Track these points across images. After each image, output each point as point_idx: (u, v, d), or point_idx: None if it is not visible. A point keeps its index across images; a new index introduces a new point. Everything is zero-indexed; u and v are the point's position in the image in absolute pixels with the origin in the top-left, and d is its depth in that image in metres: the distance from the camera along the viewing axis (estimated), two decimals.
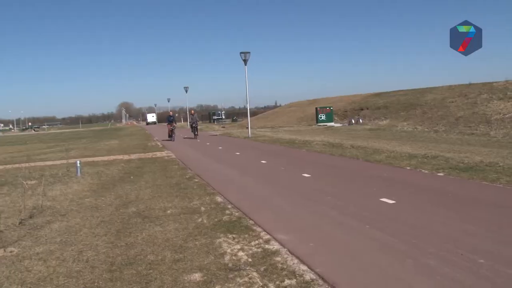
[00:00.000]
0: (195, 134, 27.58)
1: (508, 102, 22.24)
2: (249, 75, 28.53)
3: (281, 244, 4.99)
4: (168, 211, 6.90)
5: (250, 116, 30.48)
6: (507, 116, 20.53)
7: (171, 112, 29.32)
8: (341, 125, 34.05)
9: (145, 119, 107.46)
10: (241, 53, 26.24)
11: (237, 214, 6.54)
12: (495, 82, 26.82)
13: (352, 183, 8.63)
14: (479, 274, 3.76)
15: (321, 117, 36.84)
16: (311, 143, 17.90)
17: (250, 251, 4.79)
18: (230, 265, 4.39)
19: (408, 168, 9.99)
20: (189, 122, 29.55)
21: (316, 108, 38.27)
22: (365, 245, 4.77)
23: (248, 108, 29.96)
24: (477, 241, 4.65)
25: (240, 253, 4.73)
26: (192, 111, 30.27)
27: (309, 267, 4.20)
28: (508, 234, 4.80)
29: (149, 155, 17.30)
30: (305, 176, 9.68)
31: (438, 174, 8.95)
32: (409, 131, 24.05)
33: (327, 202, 6.96)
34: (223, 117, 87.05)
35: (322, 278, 3.91)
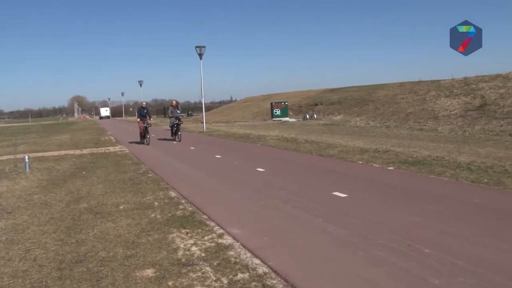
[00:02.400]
0: (176, 135, 19.39)
1: (454, 99, 23.35)
2: (204, 70, 28.28)
3: (234, 238, 5.03)
4: (121, 207, 6.79)
5: (205, 111, 30.27)
6: (453, 112, 21.55)
7: (144, 103, 19.16)
8: (295, 120, 34.47)
9: (98, 113, 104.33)
10: (196, 47, 26.02)
11: (190, 209, 6.53)
12: (442, 80, 28.08)
13: (306, 177, 8.79)
14: (425, 263, 3.96)
15: (276, 112, 37.15)
16: (266, 138, 18.06)
17: (204, 246, 4.80)
18: (183, 260, 4.40)
19: (360, 162, 10.31)
20: (169, 118, 19.94)
21: (271, 103, 38.53)
22: (317, 238, 4.90)
23: (203, 103, 29.76)
24: (423, 232, 4.88)
25: (193, 248, 4.74)
26: (174, 102, 19.99)
27: (262, 261, 4.27)
28: (452, 225, 5.07)
29: (102, 149, 16.97)
30: (259, 171, 9.77)
31: (389, 168, 9.30)
32: (361, 126, 24.75)
33: (281, 196, 7.07)
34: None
35: (275, 271, 3.99)
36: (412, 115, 23.83)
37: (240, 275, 3.94)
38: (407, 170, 8.91)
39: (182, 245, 4.85)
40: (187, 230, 5.41)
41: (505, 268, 3.77)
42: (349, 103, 32.79)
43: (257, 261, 4.29)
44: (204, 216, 6.07)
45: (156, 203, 6.96)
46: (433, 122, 21.20)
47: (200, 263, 4.30)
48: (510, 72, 23.73)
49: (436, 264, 3.92)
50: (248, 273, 3.98)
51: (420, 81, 30.64)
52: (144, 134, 18.34)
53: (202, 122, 27.84)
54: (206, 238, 5.09)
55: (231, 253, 4.55)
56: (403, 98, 27.76)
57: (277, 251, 4.55)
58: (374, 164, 9.85)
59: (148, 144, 17.79)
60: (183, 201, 7.06)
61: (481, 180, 7.44)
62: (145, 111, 18.51)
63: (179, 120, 19.34)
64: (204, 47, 26.16)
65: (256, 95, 58.73)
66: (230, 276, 3.92)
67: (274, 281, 3.78)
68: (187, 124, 37.90)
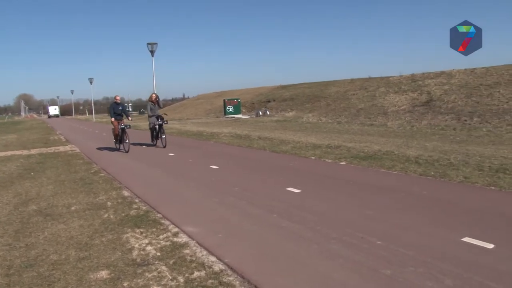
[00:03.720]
0: (157, 138, 15.28)
1: (402, 95, 24.23)
2: (156, 67, 27.73)
3: (189, 236, 4.99)
4: (72, 208, 6.57)
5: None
6: (401, 108, 22.36)
7: (118, 98, 15.00)
8: (248, 117, 34.65)
9: (47, 112, 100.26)
10: (148, 44, 25.54)
11: (144, 208, 6.42)
12: (391, 77, 29.08)
13: (260, 173, 8.84)
14: (377, 255, 4.08)
15: (229, 109, 37.20)
16: (219, 135, 18.04)
17: (159, 245, 4.73)
18: (138, 260, 4.31)
19: (313, 158, 10.48)
20: (148, 117, 15.27)
21: (224, 100, 38.54)
22: (272, 234, 4.93)
23: None
24: (375, 224, 5.03)
25: (149, 248, 4.66)
26: (154, 96, 15.20)
27: (218, 258, 4.25)
28: (401, 217, 5.27)
29: (52, 149, 16.40)
30: (213, 168, 9.72)
31: (341, 163, 9.52)
32: (314, 122, 25.18)
33: (235, 193, 7.07)
34: (130, 109, 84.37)
35: (231, 268, 3.98)
36: (363, 111, 24.50)
37: (196, 273, 3.90)
38: (359, 164, 9.15)
39: (137, 245, 4.76)
40: (142, 230, 5.31)
41: (451, 256, 3.95)
42: (301, 99, 33.27)
43: (213, 258, 4.27)
44: (159, 215, 5.98)
45: (109, 203, 6.80)
46: (382, 118, 21.90)
47: (156, 262, 4.23)
48: (454, 69, 24.92)
49: (388, 255, 4.05)
50: (204, 271, 3.95)
51: (370, 78, 31.59)
52: (121, 137, 14.20)
53: None
54: (161, 237, 5.01)
55: (187, 251, 4.50)
56: (353, 94, 28.49)
57: (233, 247, 4.54)
58: (327, 160, 10.05)
59: (127, 152, 13.77)
60: (136, 200, 6.93)
61: (428, 173, 7.76)
62: (120, 108, 14.41)
63: (162, 119, 14.78)
64: (156, 44, 25.71)
65: (209, 92, 58.59)
66: (187, 275, 3.88)
67: (231, 278, 3.77)
68: (139, 122, 37.17)
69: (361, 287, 3.47)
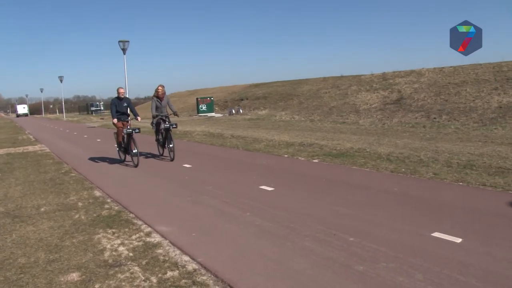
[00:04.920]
0: (164, 147, 11.50)
1: (374, 93, 24.62)
2: (129, 65, 27.40)
3: (162, 236, 4.95)
4: (42, 209, 6.41)
5: None
6: (373, 106, 22.72)
7: (122, 90, 10.59)
8: (221, 115, 34.59)
9: (15, 111, 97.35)
10: (119, 41, 25.17)
11: (116, 208, 6.33)
12: (363, 75, 29.50)
13: (233, 172, 8.83)
14: (350, 251, 4.14)
15: (201, 108, 37.09)
16: (192, 134, 17.96)
17: (131, 245, 4.67)
18: (110, 261, 4.24)
19: (286, 156, 10.54)
20: (153, 117, 11.32)
21: (197, 99, 38.41)
22: (246, 232, 4.93)
23: None
24: (348, 221, 5.10)
25: (121, 248, 4.60)
26: (160, 89, 11.10)
27: (191, 257, 4.23)
28: (374, 213, 5.35)
29: (20, 149, 15.93)
30: (186, 167, 9.66)
31: (314, 160, 9.60)
32: (287, 120, 25.31)
33: (208, 191, 7.04)
34: (102, 108, 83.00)
35: (205, 267, 3.97)
36: (335, 109, 24.78)
37: (169, 273, 3.87)
38: (331, 162, 9.25)
39: (108, 246, 4.68)
40: (114, 230, 5.24)
41: (421, 251, 4.04)
42: (274, 97, 33.39)
43: (186, 258, 4.24)
44: (131, 215, 5.91)
45: (80, 204, 6.68)
46: (354, 116, 22.20)
47: (128, 263, 4.17)
48: (423, 68, 25.47)
49: (360, 251, 4.11)
50: (177, 271, 3.92)
51: (342, 76, 31.96)
52: (126, 145, 10.55)
53: None
54: (133, 237, 4.95)
55: (160, 251, 4.46)
56: (326, 93, 28.77)
57: (206, 246, 4.52)
58: (300, 157, 10.12)
59: (136, 166, 10.09)
60: (108, 200, 6.83)
61: (399, 170, 7.92)
62: (125, 104, 10.55)
63: (169, 120, 10.97)
64: (128, 41, 25.37)
65: (181, 90, 58.18)
66: (160, 275, 3.84)
67: (204, 277, 3.76)
68: (111, 121, 36.63)
69: (334, 283, 3.51)
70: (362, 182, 7.23)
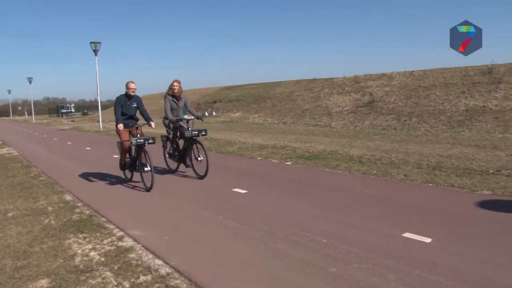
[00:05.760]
0: (182, 159, 8.63)
1: (346, 96, 24.95)
2: (100, 67, 27.03)
3: (135, 240, 4.88)
4: (10, 214, 6.24)
5: (101, 109, 29.34)
6: (345, 109, 23.02)
7: (133, 85, 7.87)
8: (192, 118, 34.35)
9: None
10: (91, 43, 24.87)
11: (88, 212, 6.23)
12: (335, 78, 29.84)
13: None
14: (323, 253, 4.18)
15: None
16: None
17: (103, 250, 4.59)
18: (81, 266, 4.16)
19: (259, 158, 10.57)
20: (164, 121, 8.85)
21: None
22: (219, 235, 4.92)
23: (99, 101, 28.65)
24: (321, 223, 5.15)
25: (92, 253, 4.52)
26: (176, 84, 8.49)
27: (164, 261, 4.19)
28: (346, 215, 5.42)
29: None
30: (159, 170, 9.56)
31: (287, 163, 9.66)
32: (260, 123, 25.37)
33: (181, 194, 6.99)
34: (73, 110, 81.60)
35: (178, 271, 3.93)
36: (308, 111, 24.99)
37: (142, 278, 3.82)
38: (304, 164, 9.33)
39: (79, 251, 4.59)
40: (85, 235, 5.14)
41: (393, 251, 4.11)
42: (247, 100, 33.42)
43: (159, 262, 4.20)
44: (103, 219, 5.82)
45: (50, 208, 6.54)
46: (327, 118, 22.44)
47: (100, 268, 4.10)
48: (394, 71, 25.96)
49: (333, 253, 4.16)
50: (150, 275, 3.87)
51: (314, 79, 32.25)
52: (133, 160, 8.12)
53: (98, 121, 26.84)
54: (105, 241, 4.87)
55: (132, 255, 4.40)
56: (299, 95, 28.98)
57: (179, 250, 4.49)
58: (273, 160, 10.17)
59: (149, 189, 7.35)
60: (79, 204, 6.71)
61: (371, 172, 8.05)
62: (135, 104, 8.05)
63: (187, 126, 8.64)
64: (100, 43, 25.19)
65: (154, 93, 57.69)
66: (132, 280, 3.79)
67: (178, 281, 3.73)
68: (82, 124, 35.98)
69: (308, 285, 3.53)
70: (335, 184, 7.31)
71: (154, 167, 7.59)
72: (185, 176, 8.70)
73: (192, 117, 8.63)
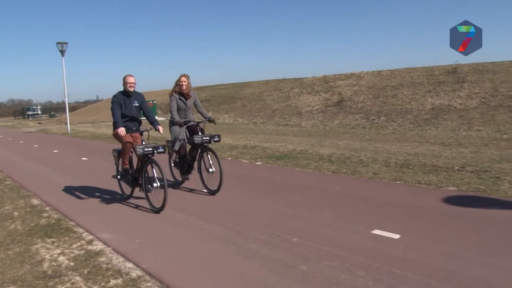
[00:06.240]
0: (185, 170, 7.32)
1: (315, 96, 25.22)
2: (68, 68, 26.45)
3: (105, 243, 4.81)
4: None
5: (69, 111, 28.78)
6: (315, 108, 23.27)
7: (131, 79, 6.52)
8: (165, 118, 34.18)
9: None
10: (57, 43, 24.34)
11: (56, 216, 6.09)
12: (305, 78, 30.14)
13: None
14: (293, 251, 4.22)
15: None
16: None
17: (72, 255, 4.50)
18: (49, 272, 4.07)
19: (229, 158, 10.56)
20: (171, 122, 7.23)
21: None
22: (191, 236, 4.90)
23: (67, 103, 28.01)
24: (292, 222, 5.20)
25: (61, 258, 4.42)
26: (184, 79, 7.19)
27: (135, 264, 4.15)
28: (316, 213, 5.50)
29: None
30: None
31: (257, 163, 9.70)
32: (230, 123, 25.34)
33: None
34: (39, 112, 79.26)
35: (149, 274, 3.90)
36: (278, 111, 25.12)
37: (113, 281, 3.76)
38: (274, 164, 9.38)
39: (47, 256, 4.48)
40: (53, 239, 5.03)
41: (363, 248, 4.20)
42: (218, 100, 33.34)
43: (130, 265, 4.15)
44: (72, 223, 5.70)
45: (16, 213, 6.38)
46: (297, 118, 22.62)
47: (69, 273, 4.01)
48: (362, 71, 26.42)
49: (304, 252, 4.20)
50: (121, 278, 3.82)
51: (284, 79, 32.48)
52: (136, 175, 6.56)
53: (66, 123, 26.30)
54: (74, 246, 4.78)
55: (102, 259, 4.33)
56: (269, 95, 29.11)
57: (150, 252, 4.44)
58: (243, 160, 10.19)
59: (160, 210, 5.93)
60: (47, 209, 6.55)
61: (340, 170, 8.17)
62: (135, 103, 6.70)
63: (201, 130, 7.23)
64: (66, 43, 24.72)
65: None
66: (103, 284, 3.73)
67: (149, 284, 3.69)
68: (49, 126, 35.06)
69: (279, 284, 3.56)
70: (305, 183, 7.39)
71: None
72: None
73: (204, 119, 7.31)
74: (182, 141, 7.17)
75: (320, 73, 37.18)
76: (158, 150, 6.09)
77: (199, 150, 7.06)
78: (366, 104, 20.79)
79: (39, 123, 45.80)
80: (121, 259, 4.33)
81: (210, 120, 7.31)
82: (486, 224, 4.80)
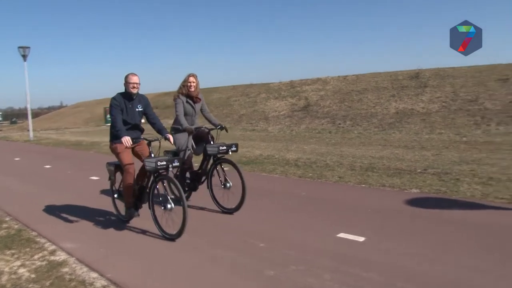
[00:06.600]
0: (192, 186, 6.48)
1: (282, 101, 25.43)
2: (31, 73, 25.68)
3: (68, 253, 4.68)
4: None
5: (32, 117, 27.99)
6: (281, 113, 23.45)
7: (135, 78, 5.45)
8: None
9: None
10: (19, 47, 23.66)
11: (16, 226, 5.87)
12: (271, 83, 30.33)
13: None
14: (260, 257, 4.24)
15: (110, 117, 36.02)
16: (100, 144, 17.30)
17: (33, 266, 4.36)
18: (8, 286, 3.92)
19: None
20: (174, 128, 6.38)
21: (105, 108, 37.41)
22: (157, 244, 4.84)
23: (29, 109, 27.23)
24: (258, 227, 5.23)
25: (21, 270, 4.27)
26: (192, 79, 6.34)
27: (100, 274, 4.05)
28: (283, 218, 5.55)
29: None
30: (94, 179, 9.23)
31: (225, 169, 9.65)
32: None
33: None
34: (0, 118, 76.53)
35: (114, 283, 3.82)
36: (245, 116, 25.19)
37: None
38: None
39: (7, 269, 4.32)
40: (13, 251, 4.84)
41: (329, 251, 4.26)
42: None
43: (94, 274, 4.06)
44: (33, 233, 5.50)
45: None
46: (264, 123, 22.73)
47: (30, 285, 3.88)
48: (328, 76, 26.84)
49: (271, 256, 4.23)
50: None
51: (251, 84, 32.58)
52: (140, 193, 5.55)
53: (29, 130, 25.56)
54: (36, 257, 4.62)
55: (66, 269, 4.22)
56: (236, 101, 29.15)
57: (115, 262, 4.36)
58: None
59: (177, 237, 4.85)
60: (7, 219, 6.30)
61: (306, 175, 8.26)
62: (139, 108, 5.62)
63: (211, 139, 6.41)
64: (29, 48, 24.01)
65: (88, 100, 55.90)
66: None
67: None
68: (10, 133, 33.92)
69: None
70: (271, 188, 7.44)
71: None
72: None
73: (214, 126, 6.53)
74: (189, 151, 6.35)
75: (287, 78, 37.52)
76: (173, 164, 5.00)
77: (211, 162, 6.19)
78: (332, 109, 21.11)
79: (0, 130, 44.36)
80: (85, 269, 4.23)
81: (222, 128, 6.51)
82: (447, 225, 4.96)
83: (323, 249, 4.36)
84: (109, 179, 6.06)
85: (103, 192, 7.85)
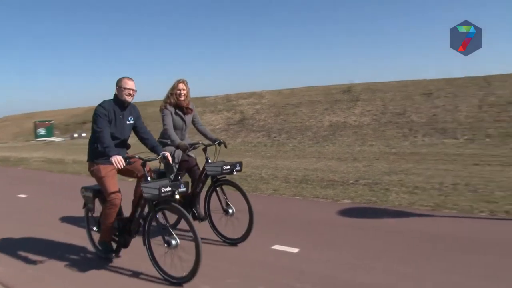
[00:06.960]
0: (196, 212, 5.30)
1: (218, 114, 25.50)
2: None
3: None
4: None
5: None
6: (217, 127, 23.49)
7: (130, 83, 4.50)
8: (63, 139, 32.93)
9: None
10: None
11: None
12: (207, 97, 30.36)
13: (76, 200, 8.20)
14: (199, 272, 4.18)
15: (40, 132, 35.15)
16: (29, 160, 16.68)
17: None
18: None
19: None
20: (175, 146, 5.44)
21: (35, 122, 36.02)
22: (91, 265, 4.65)
23: None
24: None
25: None
26: (182, 86, 5.69)
27: None
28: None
29: None
30: (21, 197, 8.74)
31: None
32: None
33: (49, 222, 6.45)
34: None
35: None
36: None
37: None
38: None
39: None
40: None
41: (264, 263, 4.31)
42: None
43: None
44: None
45: None
46: (200, 137, 22.59)
47: None
48: (264, 90, 27.29)
49: (207, 270, 4.14)
50: None
51: None
52: (126, 226, 4.61)
53: None
54: None
55: None
56: None
57: (44, 284, 4.12)
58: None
59: (183, 281, 3.92)
60: None
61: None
62: (129, 120, 4.77)
63: (207, 159, 5.50)
64: None
65: (16, 113, 53.30)
66: None
67: None
68: None
69: None
70: None
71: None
72: (51, 204, 8.03)
73: (211, 142, 5.73)
74: (182, 161, 5.60)
75: (223, 92, 37.67)
76: (180, 190, 3.93)
77: (211, 184, 5.29)
78: (268, 122, 21.45)
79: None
80: None
81: (220, 142, 5.65)
82: (377, 233, 5.18)
83: (258, 261, 4.40)
84: (84, 206, 5.06)
85: (34, 210, 7.46)
